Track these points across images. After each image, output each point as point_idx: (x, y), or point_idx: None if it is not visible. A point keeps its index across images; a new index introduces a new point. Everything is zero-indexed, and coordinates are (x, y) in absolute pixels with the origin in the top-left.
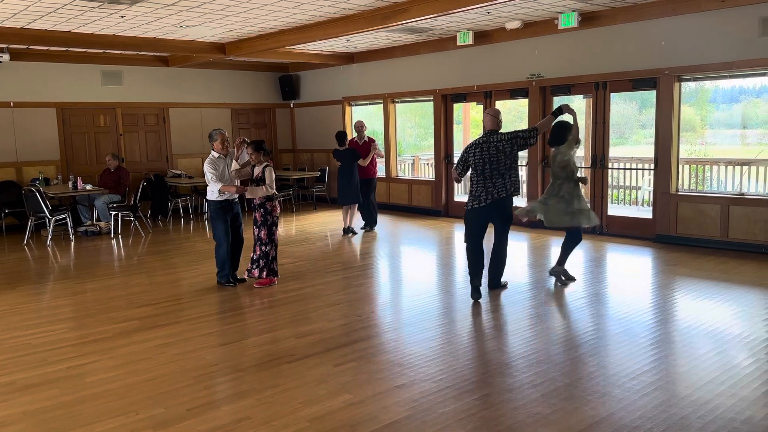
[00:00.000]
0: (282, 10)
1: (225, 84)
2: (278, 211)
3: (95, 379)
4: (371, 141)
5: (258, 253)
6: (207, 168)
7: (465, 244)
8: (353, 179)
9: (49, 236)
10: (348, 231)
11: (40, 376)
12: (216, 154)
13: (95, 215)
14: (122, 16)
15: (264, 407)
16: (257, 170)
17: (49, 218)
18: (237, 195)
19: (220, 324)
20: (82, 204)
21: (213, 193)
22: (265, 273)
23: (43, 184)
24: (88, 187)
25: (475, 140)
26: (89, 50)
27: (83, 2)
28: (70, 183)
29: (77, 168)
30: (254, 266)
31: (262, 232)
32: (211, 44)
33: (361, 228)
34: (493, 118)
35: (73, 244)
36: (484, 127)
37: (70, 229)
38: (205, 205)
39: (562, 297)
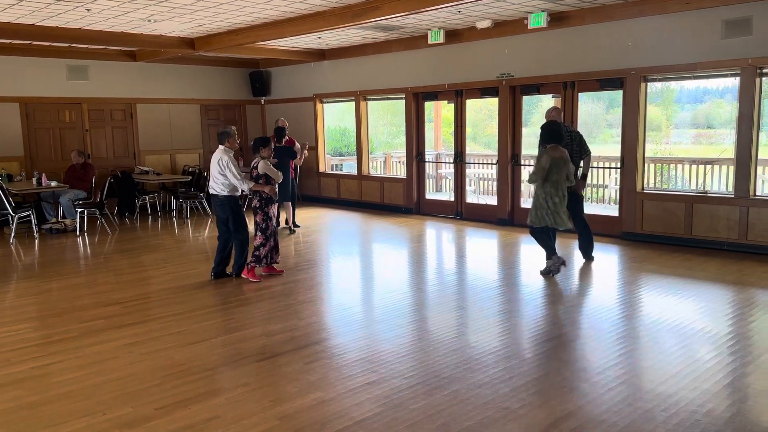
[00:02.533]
0: (252, 5)
1: (194, 79)
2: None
3: (61, 379)
4: (293, 140)
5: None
6: (231, 165)
7: None
8: (289, 177)
9: (12, 234)
10: (289, 230)
11: (3, 376)
12: (231, 151)
13: (60, 212)
14: (88, 10)
15: (233, 406)
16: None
17: (12, 216)
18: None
19: (189, 323)
20: (47, 201)
21: (232, 189)
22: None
23: (6, 181)
24: (53, 183)
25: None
26: (54, 44)
27: None
28: (34, 179)
29: (42, 164)
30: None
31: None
32: (180, 39)
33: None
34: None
35: (37, 242)
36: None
37: (34, 226)
38: (173, 202)
39: (531, 293)
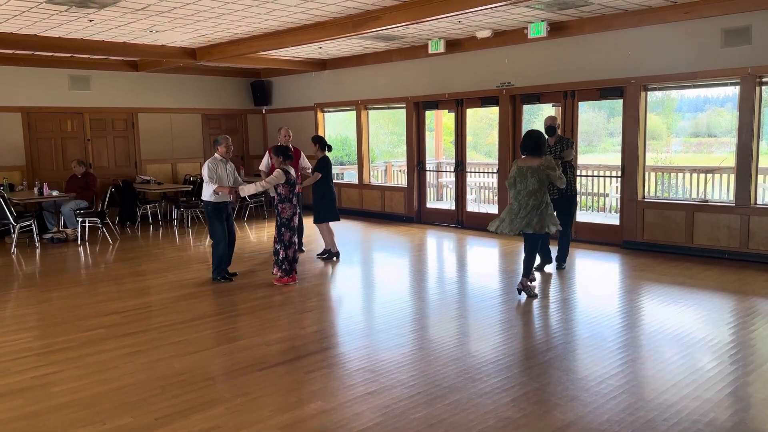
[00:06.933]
0: (253, 15)
1: (196, 89)
2: (287, 213)
3: (61, 388)
4: (299, 151)
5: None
6: (205, 168)
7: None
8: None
9: (14, 243)
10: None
11: (3, 386)
12: (219, 157)
13: (62, 222)
14: (90, 20)
15: (234, 415)
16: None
17: (13, 225)
18: (231, 197)
19: (190, 332)
20: (49, 210)
21: (209, 194)
22: (279, 273)
23: (8, 191)
24: (55, 193)
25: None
26: (56, 54)
27: (50, 6)
28: (35, 189)
29: (43, 174)
30: (275, 266)
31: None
32: (181, 49)
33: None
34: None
35: (38, 251)
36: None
37: (35, 236)
38: (174, 212)
39: (531, 303)
